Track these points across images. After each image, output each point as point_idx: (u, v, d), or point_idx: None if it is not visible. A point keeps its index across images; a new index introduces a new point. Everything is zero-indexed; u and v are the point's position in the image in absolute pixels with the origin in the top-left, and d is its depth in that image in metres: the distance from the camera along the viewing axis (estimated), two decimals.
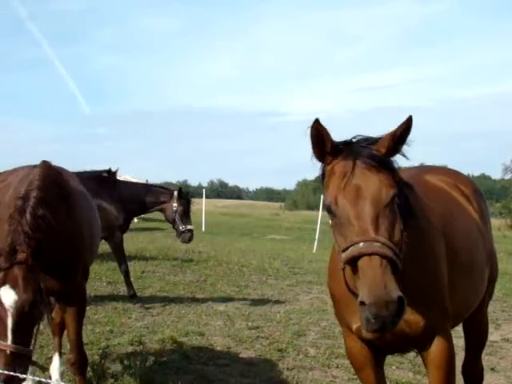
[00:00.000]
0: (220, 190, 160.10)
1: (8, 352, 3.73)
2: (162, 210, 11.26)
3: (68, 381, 5.77)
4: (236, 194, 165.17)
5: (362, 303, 2.87)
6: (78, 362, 5.07)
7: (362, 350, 3.80)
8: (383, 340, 3.60)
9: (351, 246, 2.98)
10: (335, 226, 3.14)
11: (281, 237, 28.58)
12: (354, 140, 3.32)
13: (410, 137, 3.21)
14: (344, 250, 3.03)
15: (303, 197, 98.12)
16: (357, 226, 3.00)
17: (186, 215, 11.11)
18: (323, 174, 3.32)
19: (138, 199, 10.99)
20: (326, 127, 3.20)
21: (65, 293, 4.86)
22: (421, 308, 3.52)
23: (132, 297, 10.47)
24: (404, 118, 3.21)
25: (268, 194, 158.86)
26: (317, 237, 22.81)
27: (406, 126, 3.18)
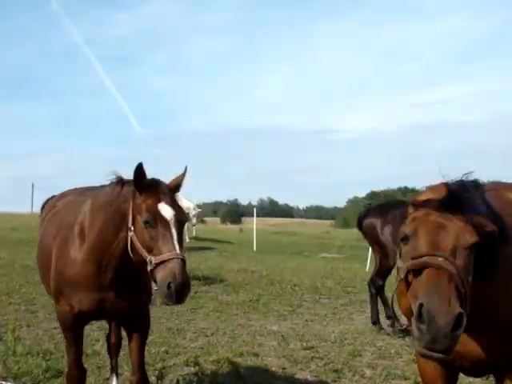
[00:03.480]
0: (270, 209, 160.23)
1: (180, 260, 4.14)
2: None
3: None
4: (286, 212, 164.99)
5: (419, 313, 2.85)
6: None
7: (432, 368, 3.73)
8: (453, 360, 3.50)
9: (419, 257, 3.05)
10: (405, 253, 3.20)
11: (332, 255, 28.37)
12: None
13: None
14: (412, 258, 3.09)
15: (354, 214, 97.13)
16: (429, 244, 3.08)
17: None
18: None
19: None
20: None
21: (132, 314, 4.91)
22: (499, 336, 3.42)
23: None
24: None
25: (318, 212, 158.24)
26: (369, 255, 22.53)
27: None
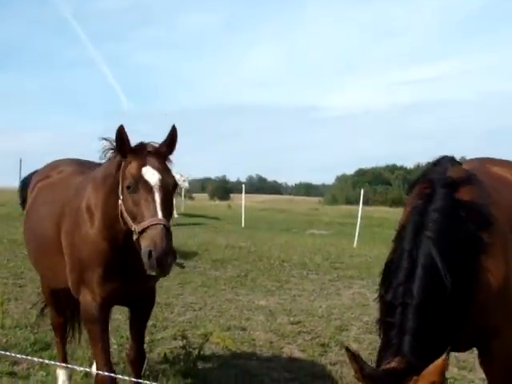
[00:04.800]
0: (259, 186, 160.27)
1: (162, 226, 3.83)
2: None
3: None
4: (275, 189, 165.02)
5: None
6: (138, 360, 5.05)
7: None
8: None
9: None
10: None
11: (320, 232, 28.46)
12: None
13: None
14: None
15: (342, 191, 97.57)
16: None
17: None
18: None
19: None
20: None
21: (142, 294, 4.82)
22: (487, 304, 3.47)
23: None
24: None
25: (307, 189, 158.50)
26: (357, 231, 22.67)
27: None
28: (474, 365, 6.85)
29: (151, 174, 4.04)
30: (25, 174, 6.76)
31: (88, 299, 4.56)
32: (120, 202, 4.16)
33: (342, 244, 21.81)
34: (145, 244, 3.82)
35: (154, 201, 3.95)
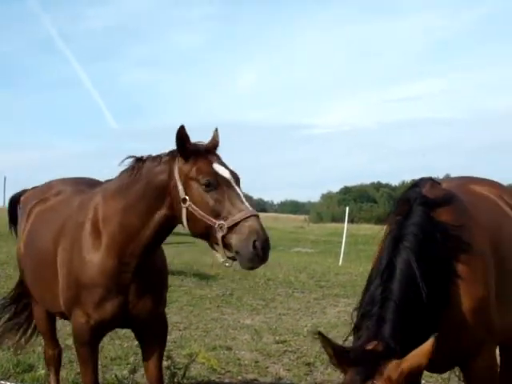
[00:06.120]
0: None
1: (257, 216, 3.90)
2: None
3: None
4: (260, 206, 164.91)
5: None
6: None
7: None
8: None
9: None
10: None
11: (306, 250, 28.48)
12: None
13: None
14: None
15: (328, 209, 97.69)
16: None
17: None
18: None
19: None
20: None
21: (153, 318, 4.55)
22: (466, 324, 3.50)
23: None
24: None
25: (293, 207, 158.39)
26: (342, 249, 22.70)
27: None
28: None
29: (223, 170, 4.02)
30: (9, 192, 6.69)
31: (81, 321, 4.38)
32: (188, 203, 3.99)
33: (327, 262, 21.82)
34: (245, 236, 3.77)
35: (237, 194, 3.96)
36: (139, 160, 4.31)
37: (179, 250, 22.64)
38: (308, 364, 7.77)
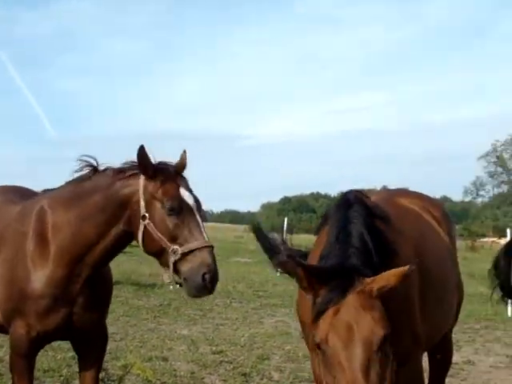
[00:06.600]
0: None
1: (212, 249, 3.96)
2: None
3: None
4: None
5: None
6: None
7: None
8: None
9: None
10: (323, 361, 2.98)
11: (245, 260, 28.53)
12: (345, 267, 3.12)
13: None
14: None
15: (267, 219, 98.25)
16: (347, 373, 2.84)
17: None
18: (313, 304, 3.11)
19: None
20: None
21: (93, 331, 4.42)
22: (392, 335, 3.56)
23: None
24: None
25: (232, 217, 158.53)
26: None
27: None
28: None
29: (189, 196, 4.03)
30: None
31: (21, 332, 4.19)
32: (146, 221, 3.97)
33: (265, 272, 21.85)
34: (196, 267, 3.84)
35: (197, 223, 3.97)
36: (96, 170, 4.23)
37: (117, 260, 22.28)
38: (244, 374, 7.78)
